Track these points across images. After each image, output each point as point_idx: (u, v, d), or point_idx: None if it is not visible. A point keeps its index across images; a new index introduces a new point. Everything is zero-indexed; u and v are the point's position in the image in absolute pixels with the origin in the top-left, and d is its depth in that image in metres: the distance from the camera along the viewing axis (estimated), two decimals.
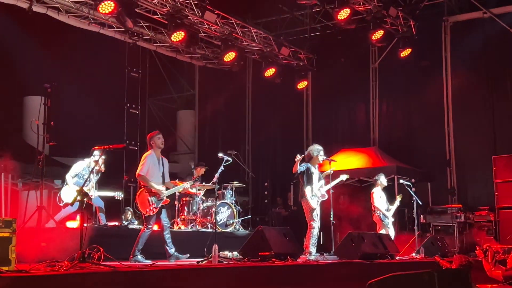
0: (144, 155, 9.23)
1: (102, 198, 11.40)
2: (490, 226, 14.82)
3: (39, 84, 9.51)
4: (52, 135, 8.40)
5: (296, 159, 10.28)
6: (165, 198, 9.14)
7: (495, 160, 14.96)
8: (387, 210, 12.50)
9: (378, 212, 12.41)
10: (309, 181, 10.45)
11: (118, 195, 11.69)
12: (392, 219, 12.59)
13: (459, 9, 17.28)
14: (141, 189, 9.12)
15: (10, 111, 15.18)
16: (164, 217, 9.22)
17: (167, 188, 9.28)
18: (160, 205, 9.09)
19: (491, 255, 8.77)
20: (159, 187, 9.08)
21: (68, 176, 10.96)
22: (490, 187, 15.28)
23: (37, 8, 14.25)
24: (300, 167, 10.37)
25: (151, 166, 9.10)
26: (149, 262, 8.69)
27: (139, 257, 8.97)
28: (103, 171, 11.04)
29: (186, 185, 10.06)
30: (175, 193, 13.32)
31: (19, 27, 13.98)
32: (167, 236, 9.18)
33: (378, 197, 12.53)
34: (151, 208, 9.02)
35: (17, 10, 13.80)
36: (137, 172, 9.10)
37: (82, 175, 11.01)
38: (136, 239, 9.14)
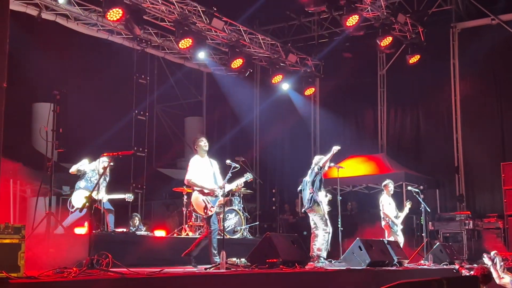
0: (191, 159, 9.17)
1: (113, 200, 11.38)
2: (499, 233, 14.77)
3: (48, 90, 9.54)
4: (61, 142, 8.42)
5: (335, 149, 10.28)
6: (220, 197, 9.03)
7: (503, 167, 14.91)
8: (396, 217, 12.47)
9: (387, 219, 12.38)
10: (321, 187, 10.45)
11: (129, 196, 11.63)
12: (401, 226, 12.55)
13: (467, 16, 17.27)
14: (193, 192, 9.03)
15: (19, 117, 15.22)
16: (213, 219, 9.04)
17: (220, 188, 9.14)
18: (216, 204, 8.97)
19: (499, 262, 8.76)
20: (211, 186, 8.97)
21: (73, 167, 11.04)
22: (499, 194, 15.24)
23: (46, 16, 14.33)
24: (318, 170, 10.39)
25: (199, 169, 9.02)
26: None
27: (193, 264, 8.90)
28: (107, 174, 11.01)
29: (242, 180, 9.46)
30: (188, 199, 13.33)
31: (28, 34, 14.04)
32: (214, 240, 8.96)
33: (388, 204, 12.50)
34: (209, 207, 8.87)
35: (27, 17, 13.88)
36: (186, 178, 9.00)
37: (89, 177, 11.03)
38: (195, 242, 9.03)
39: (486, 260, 9.78)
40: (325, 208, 10.40)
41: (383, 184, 12.76)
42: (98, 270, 6.43)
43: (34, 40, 14.67)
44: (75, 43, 15.77)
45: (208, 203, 8.89)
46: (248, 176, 9.43)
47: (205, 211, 8.90)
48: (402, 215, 12.58)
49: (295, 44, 18.31)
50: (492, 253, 9.87)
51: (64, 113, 8.48)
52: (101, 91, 16.64)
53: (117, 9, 12.62)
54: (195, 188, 9.00)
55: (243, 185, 9.58)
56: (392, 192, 12.72)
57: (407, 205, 12.76)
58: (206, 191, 8.92)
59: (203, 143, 9.20)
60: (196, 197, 8.98)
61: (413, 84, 17.54)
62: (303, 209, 10.84)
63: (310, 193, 10.44)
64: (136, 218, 14.31)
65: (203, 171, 9.04)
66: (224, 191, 9.01)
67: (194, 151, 9.26)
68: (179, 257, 9.91)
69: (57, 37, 15.33)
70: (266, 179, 19.57)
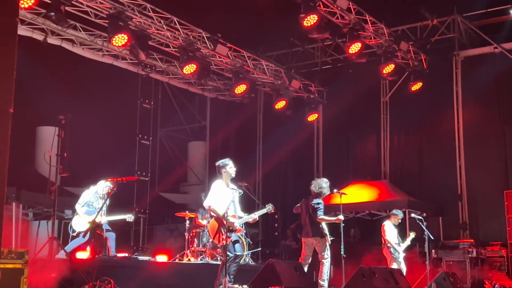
0: (214, 183, 8.90)
1: (113, 222, 11.33)
2: (503, 261, 14.66)
3: (52, 114, 9.59)
4: (65, 166, 8.44)
5: (340, 219, 10.21)
6: (237, 228, 8.78)
7: (507, 195, 14.87)
8: (398, 244, 12.39)
9: (388, 245, 12.31)
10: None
11: (129, 217, 11.60)
12: (404, 254, 12.47)
13: (470, 44, 17.37)
14: (212, 219, 8.79)
15: (23, 141, 15.27)
16: (238, 247, 8.81)
17: (239, 217, 8.89)
18: (232, 235, 8.67)
19: None
20: (231, 218, 8.64)
21: (78, 206, 10.96)
22: (502, 222, 15.17)
23: (52, 40, 14.46)
24: (320, 205, 10.22)
25: (221, 195, 8.73)
26: None
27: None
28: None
29: (263, 211, 9.30)
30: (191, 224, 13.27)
31: (34, 58, 14.14)
32: (233, 268, 8.68)
33: (390, 230, 12.46)
34: (224, 237, 8.55)
35: (32, 42, 13.99)
36: (206, 203, 8.76)
37: (91, 202, 11.01)
38: (218, 271, 8.68)
39: (486, 287, 9.81)
40: (328, 238, 10.25)
41: (392, 212, 12.70)
42: None
43: (39, 64, 14.77)
44: (80, 68, 15.86)
45: (224, 232, 8.53)
46: (270, 208, 9.19)
47: (220, 239, 8.61)
48: (405, 244, 12.49)
49: (299, 70, 18.41)
50: (494, 281, 9.92)
51: (68, 137, 8.50)
52: (105, 115, 16.70)
53: (122, 34, 12.71)
54: (213, 214, 8.73)
55: (257, 218, 9.25)
56: (398, 222, 12.66)
57: (411, 235, 12.66)
58: (224, 221, 8.50)
59: (232, 169, 8.94)
60: (213, 224, 8.72)
61: (416, 111, 17.55)
62: (308, 237, 10.49)
63: (316, 222, 10.20)
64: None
65: (223, 198, 8.72)
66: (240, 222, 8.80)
67: (218, 175, 8.94)
68: (181, 283, 9.88)
69: (62, 62, 15.45)
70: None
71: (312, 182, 10.59)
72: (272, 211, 9.34)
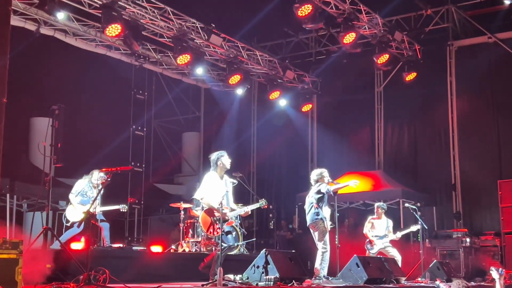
0: (206, 175, 8.81)
1: (107, 212, 11.32)
2: (496, 251, 14.72)
3: (45, 105, 9.55)
4: (59, 157, 8.40)
5: (355, 184, 10.24)
6: (229, 220, 8.68)
7: (500, 185, 14.91)
8: (380, 236, 12.42)
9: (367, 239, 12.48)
10: (326, 203, 10.25)
11: (123, 207, 11.57)
12: (389, 245, 12.45)
13: (464, 34, 17.39)
14: (202, 211, 8.70)
15: (17, 132, 15.20)
16: (230, 238, 8.71)
17: (232, 210, 8.81)
18: (224, 226, 8.53)
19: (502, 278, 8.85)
20: (224, 210, 8.50)
21: (71, 195, 10.94)
22: (496, 211, 15.23)
23: (45, 31, 14.37)
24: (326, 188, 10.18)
25: (213, 187, 8.64)
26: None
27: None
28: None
29: (255, 206, 9.26)
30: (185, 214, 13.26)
31: (26, 48, 14.06)
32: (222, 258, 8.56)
33: (367, 223, 12.63)
34: (216, 228, 8.46)
35: (25, 32, 13.90)
36: (198, 195, 8.70)
37: (85, 192, 10.98)
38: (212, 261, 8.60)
39: (494, 273, 9.86)
40: (327, 224, 10.25)
41: (376, 206, 12.81)
42: (96, 286, 6.40)
43: (32, 55, 14.69)
44: (73, 58, 15.78)
45: (216, 223, 8.46)
46: (263, 203, 9.13)
47: (210, 231, 8.56)
48: (391, 236, 12.49)
49: (293, 61, 18.41)
50: (500, 268, 10.03)
51: (62, 128, 8.47)
52: (99, 106, 16.65)
53: (116, 25, 12.64)
54: (204, 206, 8.67)
55: (250, 212, 9.19)
56: (380, 215, 12.69)
57: (412, 228, 12.65)
58: (217, 214, 8.46)
59: (227, 161, 8.81)
60: (205, 217, 8.63)
61: (410, 101, 17.59)
62: (307, 224, 10.50)
63: (315, 209, 10.25)
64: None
65: (216, 190, 8.63)
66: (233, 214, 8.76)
67: (212, 166, 8.81)
68: (176, 273, 9.88)
69: (55, 52, 15.36)
70: (263, 195, 19.49)
71: (312, 173, 10.57)
72: (265, 206, 9.31)
